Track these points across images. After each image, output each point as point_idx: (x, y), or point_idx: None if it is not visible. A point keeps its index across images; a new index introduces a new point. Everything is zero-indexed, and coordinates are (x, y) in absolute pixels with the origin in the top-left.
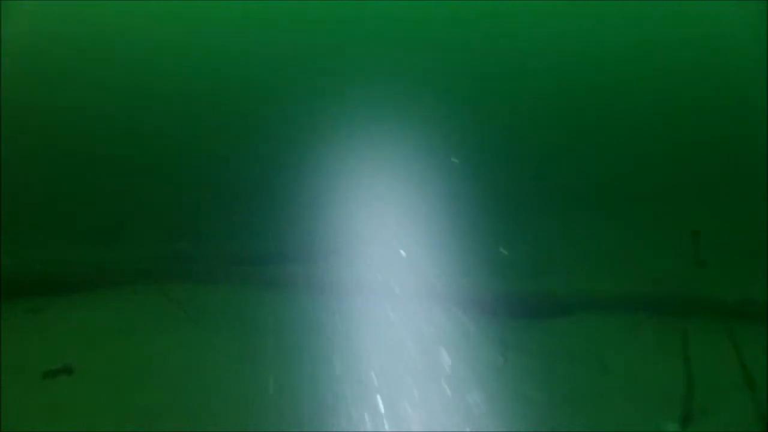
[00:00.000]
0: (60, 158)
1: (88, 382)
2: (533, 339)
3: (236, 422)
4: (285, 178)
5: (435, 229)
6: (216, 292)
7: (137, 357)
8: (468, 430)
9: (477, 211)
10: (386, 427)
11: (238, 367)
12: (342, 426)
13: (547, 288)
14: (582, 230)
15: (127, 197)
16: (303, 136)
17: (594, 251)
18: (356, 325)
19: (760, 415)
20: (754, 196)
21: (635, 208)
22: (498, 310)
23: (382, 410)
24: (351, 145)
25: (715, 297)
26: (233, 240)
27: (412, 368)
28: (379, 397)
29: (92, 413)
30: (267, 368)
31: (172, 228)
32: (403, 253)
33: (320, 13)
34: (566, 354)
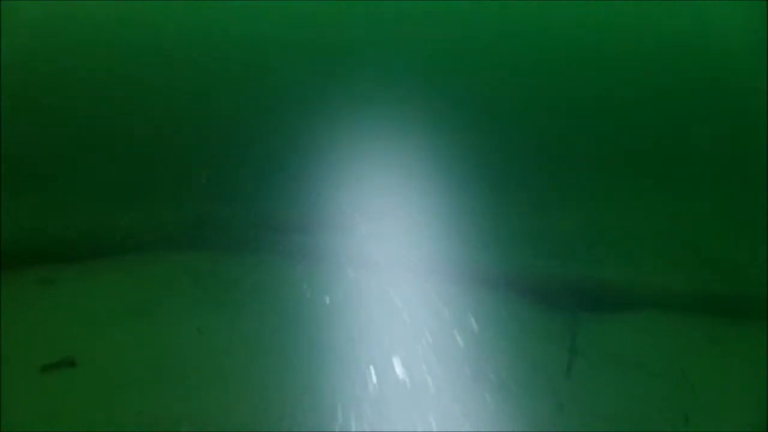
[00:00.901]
0: (75, 113)
1: (93, 374)
2: (598, 339)
3: (258, 420)
4: (313, 145)
5: (477, 207)
6: (242, 264)
7: (151, 345)
8: None
9: (520, 185)
10: (417, 428)
11: (260, 358)
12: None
13: (608, 277)
14: (644, 211)
15: (149, 157)
16: (335, 101)
17: (659, 237)
18: (391, 308)
19: None
20: None
21: (711, 190)
22: (554, 299)
23: (410, 409)
24: (379, 124)
25: None
26: (261, 205)
27: (451, 363)
28: (407, 395)
29: (95, 410)
30: (292, 361)
31: (196, 190)
32: (445, 232)
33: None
34: (639, 361)
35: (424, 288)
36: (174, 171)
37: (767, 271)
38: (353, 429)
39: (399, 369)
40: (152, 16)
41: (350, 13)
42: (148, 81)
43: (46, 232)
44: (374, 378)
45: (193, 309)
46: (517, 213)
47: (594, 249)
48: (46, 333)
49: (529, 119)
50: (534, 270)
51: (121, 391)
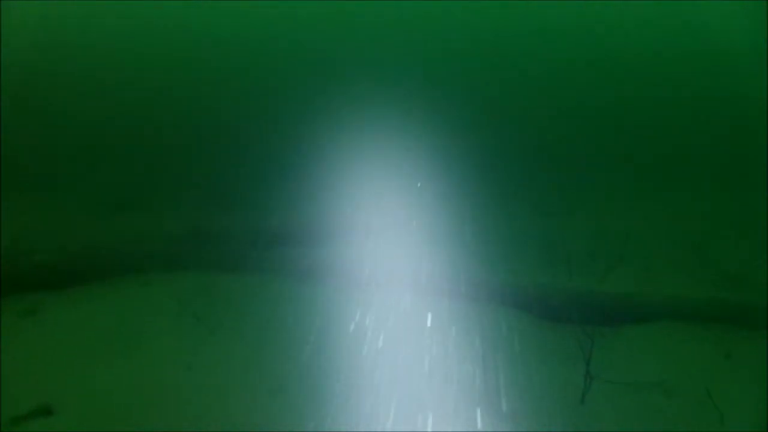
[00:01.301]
0: (66, 120)
1: (72, 421)
2: (612, 359)
3: None
4: (310, 154)
5: (480, 219)
6: (237, 283)
7: (136, 384)
8: None
9: (523, 196)
10: None
11: (256, 397)
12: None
13: (616, 289)
14: (649, 219)
15: (139, 169)
16: (330, 106)
17: (666, 245)
18: (396, 329)
19: None
20: None
21: (716, 195)
22: (562, 313)
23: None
24: (379, 129)
25: None
26: (257, 217)
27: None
28: (412, 417)
29: None
30: (294, 394)
31: (189, 204)
32: (443, 247)
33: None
34: (658, 382)
35: (428, 304)
36: (165, 183)
37: None
38: None
39: (403, 392)
40: (152, 18)
41: (350, 16)
42: (144, 84)
43: (29, 256)
44: (381, 401)
45: (183, 341)
46: (521, 225)
47: (600, 260)
48: (25, 375)
49: (532, 125)
50: (540, 284)
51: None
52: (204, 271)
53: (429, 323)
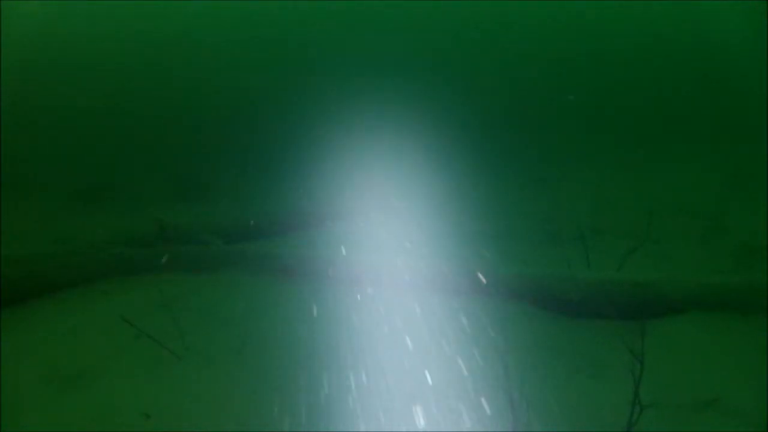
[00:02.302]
0: (62, 123)
1: None
2: (654, 365)
3: None
4: (287, 141)
5: (474, 205)
6: (210, 285)
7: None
8: None
9: (523, 181)
10: None
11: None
12: None
13: (643, 279)
14: (670, 199)
15: (98, 159)
16: (308, 99)
17: (689, 225)
18: (388, 325)
19: None
20: None
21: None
22: (579, 308)
23: None
24: (359, 111)
25: None
26: (228, 211)
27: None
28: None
29: None
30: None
31: (154, 197)
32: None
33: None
34: (714, 399)
35: (426, 303)
36: (132, 174)
37: None
38: None
39: (404, 416)
40: (153, 19)
41: (342, 14)
42: (144, 83)
43: None
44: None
45: (143, 370)
46: (521, 213)
47: (617, 244)
48: None
49: (532, 117)
50: (553, 274)
51: None
52: (173, 274)
53: (430, 324)
